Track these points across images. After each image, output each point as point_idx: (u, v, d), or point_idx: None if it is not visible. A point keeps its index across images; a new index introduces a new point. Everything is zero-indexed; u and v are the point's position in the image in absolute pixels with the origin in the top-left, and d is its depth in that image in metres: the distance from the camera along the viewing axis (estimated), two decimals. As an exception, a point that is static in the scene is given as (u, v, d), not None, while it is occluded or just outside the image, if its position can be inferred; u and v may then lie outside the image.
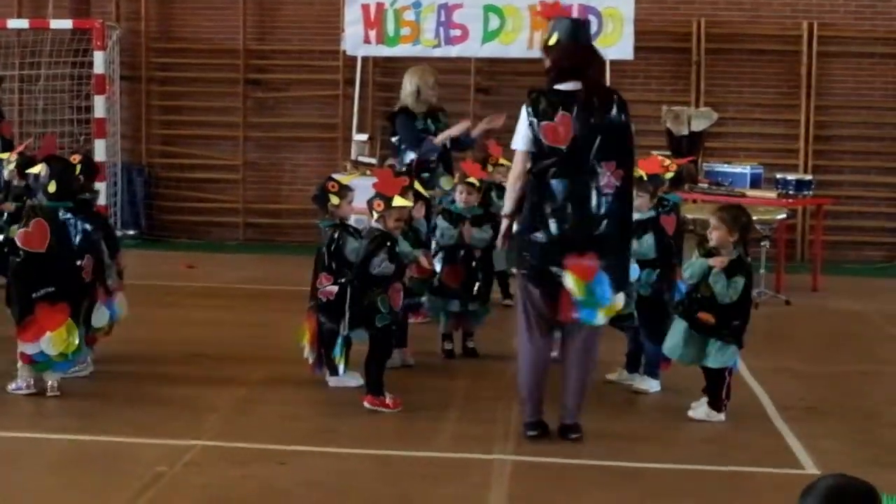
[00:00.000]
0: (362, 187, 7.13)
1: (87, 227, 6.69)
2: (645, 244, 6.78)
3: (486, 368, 7.54)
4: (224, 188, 13.50)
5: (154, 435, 6.00)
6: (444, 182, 8.54)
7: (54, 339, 6.49)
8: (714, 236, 6.41)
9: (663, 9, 12.68)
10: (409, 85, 9.02)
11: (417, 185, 7.41)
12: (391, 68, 12.71)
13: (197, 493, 5.19)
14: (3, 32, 12.92)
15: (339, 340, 6.69)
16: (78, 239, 6.63)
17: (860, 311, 9.87)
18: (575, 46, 5.92)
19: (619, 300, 6.01)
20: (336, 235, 6.82)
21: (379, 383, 6.54)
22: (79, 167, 6.92)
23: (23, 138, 11.07)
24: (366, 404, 6.50)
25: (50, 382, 6.66)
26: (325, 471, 5.55)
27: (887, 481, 2.94)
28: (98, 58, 11.99)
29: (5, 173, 7.75)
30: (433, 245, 7.75)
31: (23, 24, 12.73)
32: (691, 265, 6.45)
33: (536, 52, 10.93)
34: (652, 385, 7.00)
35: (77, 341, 6.55)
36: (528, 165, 5.87)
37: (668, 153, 9.42)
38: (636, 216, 6.68)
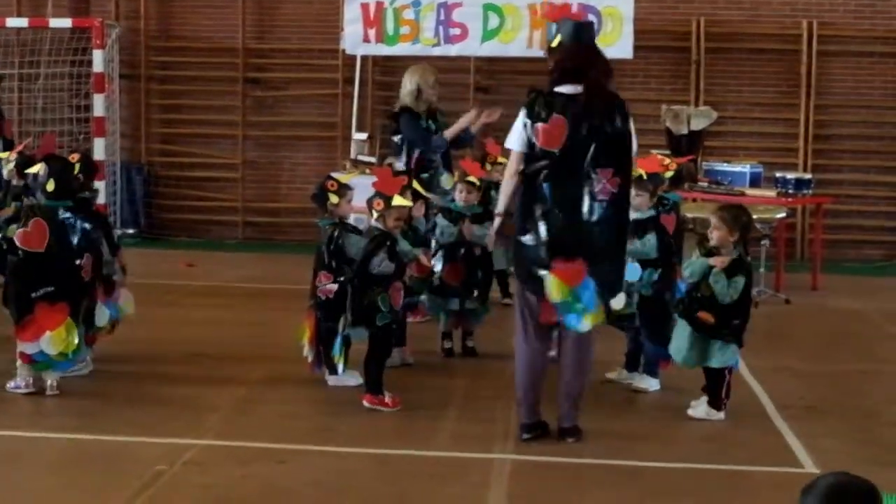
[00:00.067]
0: (362, 186, 7.13)
1: (87, 226, 6.68)
2: (648, 244, 6.78)
3: (485, 367, 7.54)
4: (223, 187, 13.49)
5: (154, 434, 6.00)
6: (445, 181, 8.55)
7: (54, 339, 6.49)
8: (714, 236, 6.41)
9: (663, 8, 12.67)
10: (409, 84, 9.02)
11: (416, 185, 7.41)
12: (390, 67, 12.71)
13: (197, 493, 5.19)
14: (2, 31, 12.91)
15: (339, 339, 6.69)
16: (77, 238, 6.62)
17: (860, 310, 9.87)
18: (577, 47, 5.89)
19: (619, 302, 6.01)
20: (335, 234, 6.82)
21: (378, 382, 6.54)
22: (78, 166, 6.92)
23: (22, 137, 11.06)
24: (365, 403, 6.50)
25: (49, 381, 6.66)
26: (324, 470, 5.55)
27: (887, 480, 2.94)
28: (97, 56, 11.98)
29: (4, 172, 7.74)
30: (433, 244, 7.75)
31: (22, 22, 12.72)
32: (691, 264, 6.45)
33: (536, 51, 11.04)
34: (651, 384, 7.01)
35: (76, 341, 6.55)
36: (521, 166, 5.87)
37: (667, 152, 9.42)
38: (636, 215, 6.70)
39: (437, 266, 7.67)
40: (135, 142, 13.55)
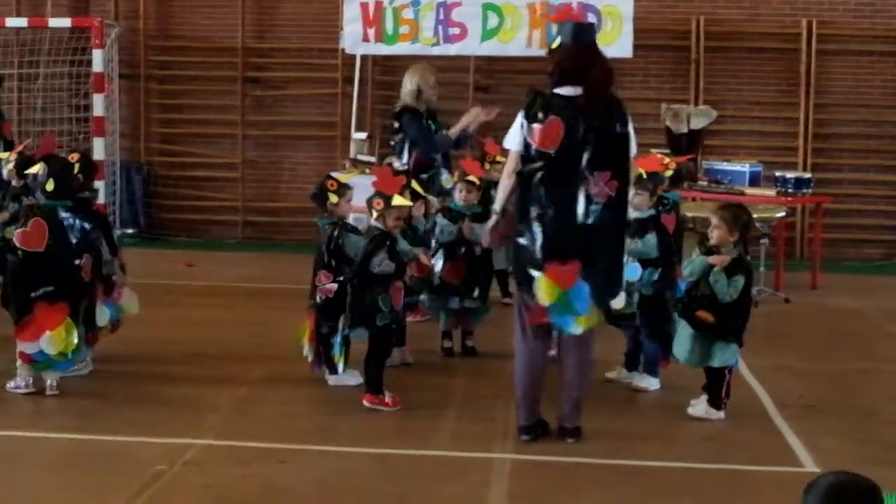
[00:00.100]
0: (361, 186, 7.13)
1: (86, 225, 6.68)
2: (648, 243, 6.78)
3: (485, 367, 7.54)
4: (223, 186, 13.49)
5: (154, 434, 6.00)
6: (445, 180, 8.54)
7: (53, 339, 6.49)
8: (714, 235, 6.41)
9: (662, 7, 12.67)
10: (409, 84, 9.03)
11: (415, 184, 7.41)
12: (390, 66, 12.71)
13: (197, 493, 5.19)
14: (1, 31, 12.90)
15: (339, 339, 6.68)
16: (76, 238, 6.62)
17: (859, 309, 9.87)
18: (577, 48, 5.87)
19: (620, 301, 6.01)
20: (335, 234, 6.82)
21: (378, 382, 6.54)
22: (77, 166, 6.91)
23: (22, 137, 11.06)
24: (365, 403, 6.50)
25: (49, 381, 6.66)
26: (324, 469, 5.55)
27: (886, 479, 2.94)
28: (97, 56, 11.97)
29: (4, 173, 7.74)
30: (433, 243, 7.75)
31: (21, 22, 12.72)
32: (691, 262, 6.45)
33: (535, 51, 11.05)
34: (651, 383, 7.01)
35: (76, 340, 6.55)
36: (519, 166, 5.86)
37: (667, 151, 9.42)
38: (637, 215, 6.70)
39: (438, 265, 7.67)
40: (134, 141, 13.55)
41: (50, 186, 6.61)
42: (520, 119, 5.84)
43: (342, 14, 11.84)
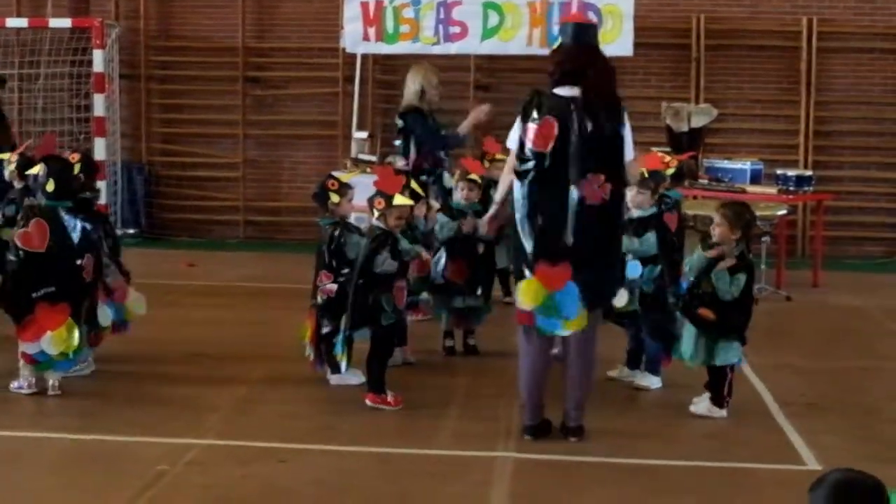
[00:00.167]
0: (362, 185, 7.14)
1: (87, 226, 6.67)
2: (647, 242, 6.77)
3: (487, 366, 7.54)
4: (224, 186, 13.49)
5: (155, 434, 6.00)
6: (445, 179, 8.54)
7: (55, 339, 6.48)
8: (716, 233, 6.40)
9: (663, 5, 12.67)
10: (412, 84, 9.04)
11: (414, 184, 7.41)
12: (391, 66, 12.71)
13: (198, 492, 5.19)
14: (2, 31, 12.91)
15: (341, 338, 6.68)
16: (78, 238, 6.62)
17: (860, 307, 9.86)
18: (577, 49, 5.85)
19: (621, 299, 6.00)
20: (336, 233, 6.81)
21: (380, 381, 6.54)
22: (78, 166, 6.91)
23: (22, 137, 11.07)
24: (367, 402, 6.50)
25: (51, 382, 6.66)
26: (326, 469, 5.54)
27: (888, 477, 2.93)
28: (97, 56, 11.98)
29: (6, 173, 7.73)
30: (434, 243, 7.74)
31: (22, 22, 12.72)
32: (690, 260, 6.45)
33: (535, 49, 11.05)
34: (653, 382, 7.00)
35: (77, 341, 6.55)
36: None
37: (668, 149, 9.41)
38: (639, 213, 6.71)
39: (439, 264, 7.65)
40: (135, 141, 13.55)
41: (50, 187, 6.60)
42: (519, 118, 5.84)
43: (342, 13, 11.84)
